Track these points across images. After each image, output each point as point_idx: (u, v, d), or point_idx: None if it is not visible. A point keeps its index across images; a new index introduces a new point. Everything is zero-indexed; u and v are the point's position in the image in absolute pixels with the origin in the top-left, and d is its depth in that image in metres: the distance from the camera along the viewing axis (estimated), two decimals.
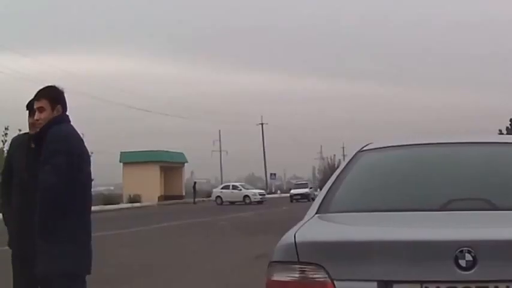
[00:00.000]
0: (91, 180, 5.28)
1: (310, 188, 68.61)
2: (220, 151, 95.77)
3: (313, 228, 3.70)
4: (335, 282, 3.29)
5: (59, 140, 5.02)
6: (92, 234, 5.29)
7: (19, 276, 5.34)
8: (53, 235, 4.96)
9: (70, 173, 4.96)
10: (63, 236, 4.96)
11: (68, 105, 5.36)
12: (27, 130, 5.58)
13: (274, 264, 3.44)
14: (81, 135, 5.35)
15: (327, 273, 3.30)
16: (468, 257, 3.14)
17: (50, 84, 5.37)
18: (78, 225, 5.07)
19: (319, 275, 3.31)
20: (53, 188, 4.90)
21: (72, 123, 5.31)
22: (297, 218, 4.05)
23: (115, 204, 58.48)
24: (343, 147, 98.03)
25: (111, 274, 12.03)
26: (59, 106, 5.28)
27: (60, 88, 5.37)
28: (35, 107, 5.26)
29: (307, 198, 61.70)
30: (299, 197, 64.11)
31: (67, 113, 5.34)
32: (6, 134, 41.69)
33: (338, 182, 4.24)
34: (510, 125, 47.40)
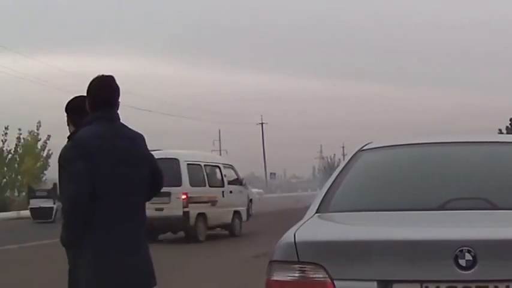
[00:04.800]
0: (123, 184, 4.54)
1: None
2: (220, 151, 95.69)
3: (313, 228, 3.70)
4: (335, 281, 3.28)
5: (70, 148, 4.59)
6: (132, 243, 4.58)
7: None
8: (76, 246, 4.53)
9: (88, 180, 4.43)
10: (85, 247, 4.46)
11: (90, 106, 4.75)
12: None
13: (274, 264, 3.44)
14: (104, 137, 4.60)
15: (327, 272, 3.30)
16: (468, 256, 3.14)
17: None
18: (103, 235, 4.45)
19: (319, 275, 3.31)
20: (70, 198, 4.46)
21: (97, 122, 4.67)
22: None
23: None
24: (343, 147, 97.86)
25: None
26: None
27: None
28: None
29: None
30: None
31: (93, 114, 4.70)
32: (6, 134, 41.78)
33: (338, 182, 4.23)
34: (510, 124, 47.36)
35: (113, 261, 4.44)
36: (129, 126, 4.81)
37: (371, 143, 4.72)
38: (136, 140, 4.73)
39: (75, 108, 5.02)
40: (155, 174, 4.78)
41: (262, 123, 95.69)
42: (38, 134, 42.21)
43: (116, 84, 4.71)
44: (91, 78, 4.73)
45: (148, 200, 4.83)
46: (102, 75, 4.72)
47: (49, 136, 42.31)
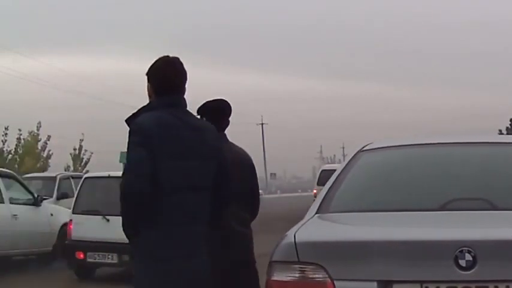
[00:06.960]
0: (188, 179, 4.00)
1: None
2: None
3: (313, 228, 3.70)
4: (335, 282, 3.29)
5: (129, 134, 4.02)
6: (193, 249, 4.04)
7: None
8: (133, 246, 4.07)
9: (148, 169, 3.88)
10: (139, 248, 4.02)
11: (159, 86, 4.14)
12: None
13: (274, 264, 3.44)
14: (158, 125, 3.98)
15: (327, 273, 3.30)
16: (468, 256, 3.14)
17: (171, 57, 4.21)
18: (165, 237, 3.95)
19: (319, 275, 3.31)
20: (127, 186, 3.91)
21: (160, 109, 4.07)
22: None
23: None
24: (343, 147, 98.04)
25: (112, 274, 12.05)
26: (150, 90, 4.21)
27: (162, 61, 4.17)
28: None
29: None
30: None
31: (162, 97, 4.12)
32: (6, 134, 41.74)
33: (338, 182, 4.23)
34: (510, 125, 47.31)
35: (174, 266, 3.94)
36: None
37: (371, 143, 4.72)
38: (205, 131, 4.17)
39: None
40: (223, 171, 4.19)
41: (262, 124, 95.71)
42: (38, 134, 42.17)
43: (183, 67, 4.17)
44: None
45: (223, 200, 4.24)
46: (167, 56, 4.18)
47: (49, 136, 42.24)
